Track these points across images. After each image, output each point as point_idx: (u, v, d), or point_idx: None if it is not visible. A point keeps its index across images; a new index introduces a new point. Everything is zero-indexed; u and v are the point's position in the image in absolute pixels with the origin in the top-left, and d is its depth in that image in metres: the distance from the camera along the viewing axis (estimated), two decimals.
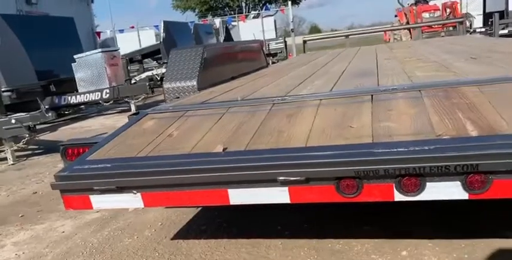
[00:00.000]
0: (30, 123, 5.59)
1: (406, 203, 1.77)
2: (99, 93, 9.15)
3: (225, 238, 2.75)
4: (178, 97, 3.52)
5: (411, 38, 15.46)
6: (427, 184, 1.65)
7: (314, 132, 2.01)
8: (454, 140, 1.67)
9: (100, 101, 9.32)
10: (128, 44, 22.65)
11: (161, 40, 15.77)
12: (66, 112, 10.40)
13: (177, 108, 2.76)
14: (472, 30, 12.63)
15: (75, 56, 9.28)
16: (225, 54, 4.42)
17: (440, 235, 2.45)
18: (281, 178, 1.75)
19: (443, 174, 1.61)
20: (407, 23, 16.20)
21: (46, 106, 5.91)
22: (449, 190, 1.64)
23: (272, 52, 23.25)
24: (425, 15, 15.79)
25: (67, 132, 7.97)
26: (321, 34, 12.65)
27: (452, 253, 2.28)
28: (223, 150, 1.95)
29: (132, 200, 1.98)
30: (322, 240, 2.57)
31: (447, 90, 2.26)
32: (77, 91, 9.54)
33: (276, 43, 23.18)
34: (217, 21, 24.15)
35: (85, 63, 9.28)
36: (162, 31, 15.83)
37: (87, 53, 9.42)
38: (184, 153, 2.01)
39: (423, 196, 1.67)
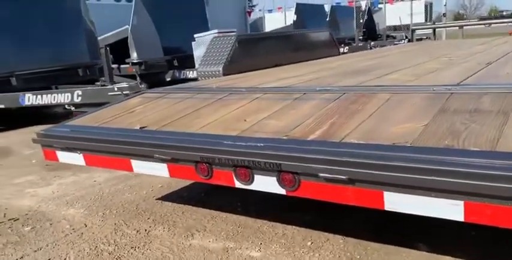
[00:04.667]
0: (128, 91, 6.64)
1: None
2: None
3: (190, 205, 3.19)
4: (197, 80, 4.00)
5: None
6: (255, 176, 1.86)
7: (217, 121, 2.31)
8: (280, 141, 1.84)
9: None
10: (274, 23, 23.70)
11: (292, 22, 16.29)
12: None
13: (166, 89, 3.25)
14: None
15: (195, 35, 10.32)
16: (266, 42, 4.71)
17: (359, 235, 2.52)
18: (156, 155, 2.12)
19: (261, 168, 1.81)
20: None
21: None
22: (270, 184, 1.83)
23: (417, 38, 21.95)
24: None
25: None
26: (436, 25, 11.69)
27: (349, 251, 2.37)
28: (141, 128, 2.39)
29: (78, 159, 2.55)
30: (259, 220, 2.84)
31: (364, 95, 2.31)
32: (195, 67, 10.63)
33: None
34: (363, 3, 23.53)
35: (202, 42, 10.24)
36: (294, 13, 16.29)
37: (206, 33, 10.34)
38: (117, 127, 2.50)
39: (254, 186, 1.90)
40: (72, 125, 2.69)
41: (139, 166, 2.27)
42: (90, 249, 2.60)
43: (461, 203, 1.40)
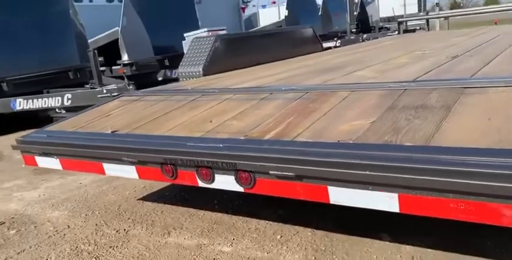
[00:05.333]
0: (116, 93, 6.72)
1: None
2: None
3: (170, 204, 3.29)
4: (177, 81, 4.08)
5: None
6: (216, 175, 1.96)
7: (185, 123, 2.40)
8: (238, 141, 1.93)
9: None
10: (269, 19, 23.64)
11: (283, 18, 16.31)
12: None
13: (144, 92, 3.34)
14: None
15: (184, 34, 10.38)
16: (247, 42, 4.78)
17: (328, 228, 2.62)
18: (124, 158, 2.21)
19: (219, 168, 1.90)
20: None
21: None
22: (230, 183, 1.92)
23: (410, 28, 21.94)
24: None
25: None
26: (420, 16, 11.97)
27: (316, 243, 2.47)
28: (112, 132, 2.47)
29: (55, 163, 2.64)
30: (234, 216, 2.94)
31: (325, 94, 2.39)
32: None
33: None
34: None
35: None
36: (285, 8, 16.30)
37: (195, 31, 10.41)
38: (90, 131, 2.59)
39: (215, 185, 1.99)
40: (49, 131, 2.78)
41: (110, 169, 2.36)
42: (71, 249, 2.70)
43: (395, 196, 1.49)
